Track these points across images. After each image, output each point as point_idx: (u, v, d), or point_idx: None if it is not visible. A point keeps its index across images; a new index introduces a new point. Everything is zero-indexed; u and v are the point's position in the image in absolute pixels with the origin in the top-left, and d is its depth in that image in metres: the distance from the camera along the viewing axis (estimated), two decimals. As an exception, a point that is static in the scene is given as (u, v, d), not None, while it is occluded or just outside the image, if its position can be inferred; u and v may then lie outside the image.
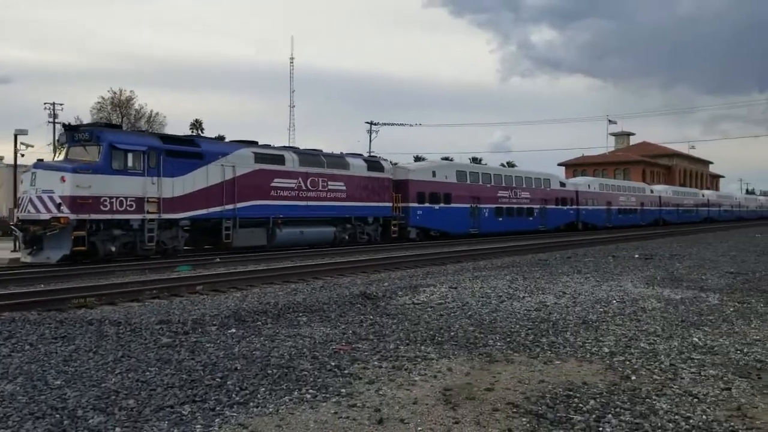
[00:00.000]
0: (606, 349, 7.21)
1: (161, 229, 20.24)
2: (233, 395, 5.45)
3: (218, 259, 19.96)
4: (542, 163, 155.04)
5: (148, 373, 6.19)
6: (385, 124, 64.07)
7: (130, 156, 19.46)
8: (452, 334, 8.11)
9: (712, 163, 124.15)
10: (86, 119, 68.94)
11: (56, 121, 63.80)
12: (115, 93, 69.57)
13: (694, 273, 15.61)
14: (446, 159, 48.78)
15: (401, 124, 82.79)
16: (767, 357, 6.87)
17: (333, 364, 6.50)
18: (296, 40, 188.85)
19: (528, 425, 4.71)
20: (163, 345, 7.46)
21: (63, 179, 17.95)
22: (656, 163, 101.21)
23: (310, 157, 26.97)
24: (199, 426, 4.72)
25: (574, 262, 19.03)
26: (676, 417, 4.87)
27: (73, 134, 19.72)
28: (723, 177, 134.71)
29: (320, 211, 26.37)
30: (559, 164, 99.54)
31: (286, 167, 25.04)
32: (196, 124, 78.21)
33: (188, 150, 21.57)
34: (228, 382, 5.82)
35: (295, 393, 5.51)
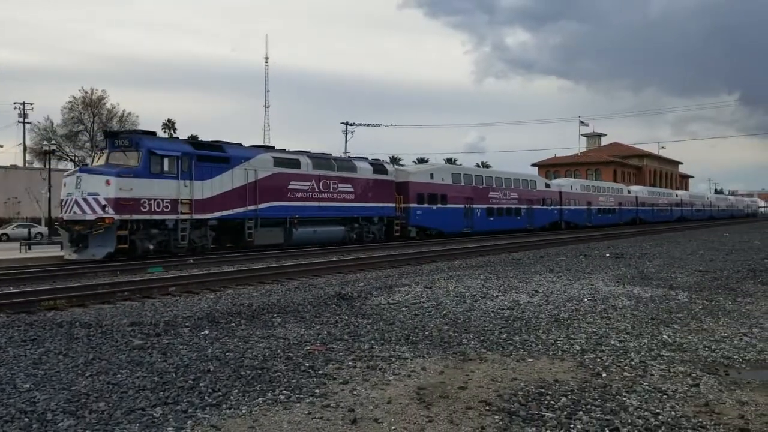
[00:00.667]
0: (577, 347, 7.29)
1: (192, 229, 21.81)
2: (206, 397, 5.41)
3: (191, 260, 19.82)
4: (516, 163, 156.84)
5: (119, 375, 6.12)
6: (360, 124, 63.99)
7: (166, 161, 21.10)
8: (427, 333, 8.14)
9: (681, 163, 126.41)
10: (57, 119, 68.20)
11: (26, 121, 62.85)
12: (86, 92, 68.64)
13: (663, 271, 15.86)
14: (422, 160, 49.48)
15: (377, 125, 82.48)
16: (735, 354, 7.00)
17: (307, 364, 6.49)
18: (272, 41, 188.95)
19: (500, 423, 4.75)
20: (134, 347, 7.38)
21: (108, 182, 19.51)
22: (627, 163, 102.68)
23: (322, 160, 28.60)
24: (170, 428, 4.68)
25: (547, 261, 19.22)
26: (646, 413, 4.95)
27: (113, 140, 21.48)
28: (692, 177, 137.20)
29: (331, 212, 28.07)
30: (533, 165, 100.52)
31: (302, 170, 26.73)
32: (169, 124, 77.44)
33: (216, 155, 23.21)
34: (200, 384, 5.77)
35: (269, 394, 5.49)
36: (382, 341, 7.66)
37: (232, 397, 5.40)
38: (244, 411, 5.05)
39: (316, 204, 27.19)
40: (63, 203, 20.47)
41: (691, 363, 6.58)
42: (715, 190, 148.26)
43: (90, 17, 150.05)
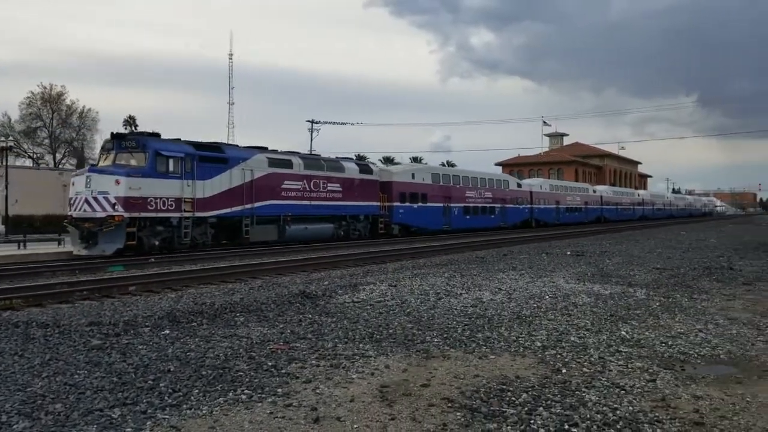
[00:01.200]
0: (538, 344, 7.39)
1: (194, 226, 22.91)
2: (165, 397, 5.33)
3: (152, 259, 19.53)
4: (480, 162, 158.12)
5: (76, 376, 5.99)
6: (326, 122, 63.78)
7: (171, 161, 22.14)
8: (391, 331, 8.16)
9: (640, 163, 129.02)
10: (14, 115, 66.44)
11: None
12: (45, 88, 67.03)
13: (622, 269, 16.16)
14: (387, 159, 49.91)
15: (342, 123, 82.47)
16: (690, 349, 7.17)
17: (270, 364, 6.45)
18: (238, 39, 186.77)
19: (462, 419, 4.79)
20: (93, 347, 7.24)
21: (117, 182, 20.47)
22: (588, 163, 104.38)
23: (312, 161, 30.11)
24: (129, 429, 4.61)
25: (510, 259, 19.42)
26: (604, 408, 5.04)
27: (120, 142, 22.18)
28: (651, 176, 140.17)
29: (321, 210, 29.32)
30: (496, 164, 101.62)
31: (294, 170, 27.92)
32: (130, 121, 76.06)
33: (216, 156, 24.28)
34: (160, 384, 5.69)
35: (230, 394, 5.44)
36: (346, 340, 7.65)
37: (192, 397, 5.33)
38: (204, 411, 4.99)
39: (307, 203, 28.38)
40: (71, 202, 21.32)
41: (648, 359, 6.71)
42: (673, 189, 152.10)
43: (48, 11, 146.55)
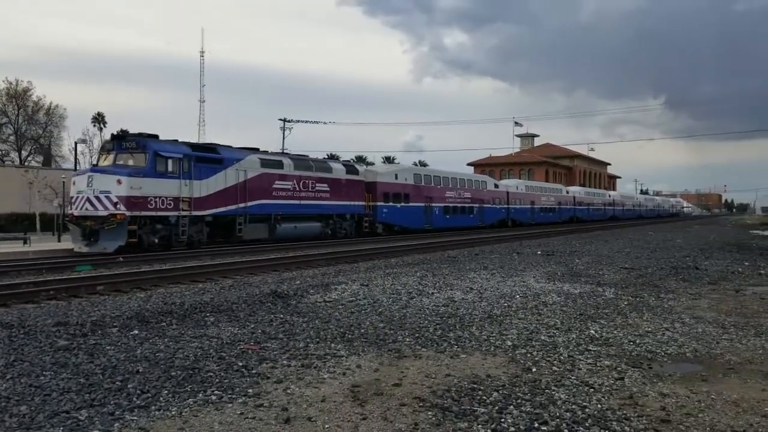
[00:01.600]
0: (509, 343, 7.45)
1: (191, 225, 23.60)
2: (134, 398, 5.26)
3: (121, 258, 19.26)
4: (452, 162, 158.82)
5: (42, 377, 5.88)
6: (298, 121, 63.46)
7: (170, 162, 22.84)
8: (362, 331, 8.15)
9: (609, 164, 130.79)
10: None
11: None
12: (10, 83, 65.64)
13: (591, 268, 16.37)
14: (360, 158, 50.24)
15: (315, 122, 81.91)
16: (657, 348, 7.28)
17: (240, 364, 6.39)
18: (208, 35, 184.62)
19: (434, 419, 4.80)
20: (59, 348, 7.11)
21: (119, 182, 21.12)
22: (559, 164, 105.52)
23: (302, 161, 30.92)
24: (97, 431, 4.53)
25: (481, 258, 19.55)
26: (573, 406, 5.09)
27: (120, 142, 22.70)
28: (620, 177, 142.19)
29: (310, 209, 30.28)
30: (468, 164, 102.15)
31: (284, 171, 28.86)
32: (98, 118, 74.88)
33: (212, 156, 25.10)
34: (129, 386, 5.61)
35: (200, 395, 5.38)
36: (318, 339, 7.62)
37: (161, 398, 5.26)
38: (174, 412, 4.93)
39: (297, 202, 29.34)
40: (73, 200, 22.03)
41: (616, 357, 6.81)
42: (641, 190, 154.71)
43: (13, 4, 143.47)
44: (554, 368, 6.30)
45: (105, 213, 20.95)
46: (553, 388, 5.61)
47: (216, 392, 5.44)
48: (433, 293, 11.58)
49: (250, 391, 5.48)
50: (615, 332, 8.14)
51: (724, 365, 6.52)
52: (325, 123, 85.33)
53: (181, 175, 23.13)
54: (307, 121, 67.85)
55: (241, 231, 26.10)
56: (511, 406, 5.07)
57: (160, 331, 8.12)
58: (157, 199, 22.13)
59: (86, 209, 21.26)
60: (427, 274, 14.69)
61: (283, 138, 61.81)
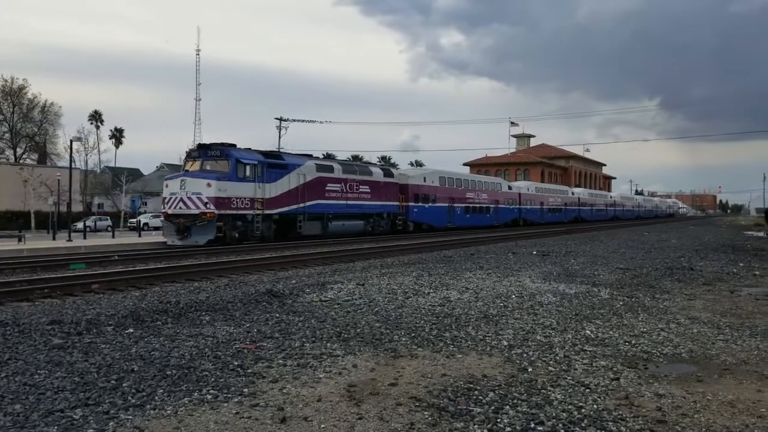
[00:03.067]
0: (505, 343, 7.44)
1: (263, 222, 27.26)
2: (129, 397, 5.23)
3: (116, 257, 19.20)
4: (448, 162, 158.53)
5: (37, 376, 5.85)
6: (294, 120, 63.38)
7: (247, 167, 26.64)
8: (358, 330, 8.14)
9: (605, 165, 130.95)
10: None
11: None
12: (6, 81, 65.43)
13: (587, 269, 16.39)
14: (356, 157, 51.16)
15: (311, 121, 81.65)
16: (653, 348, 7.29)
17: (236, 363, 6.37)
18: (206, 35, 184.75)
19: (430, 418, 4.79)
20: (54, 346, 7.08)
21: (209, 185, 24.78)
22: (554, 164, 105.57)
23: (348, 166, 35.24)
24: (91, 430, 4.51)
25: (477, 258, 19.55)
26: (569, 407, 5.09)
27: (206, 151, 26.81)
28: (615, 178, 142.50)
29: (355, 209, 33.90)
30: (464, 164, 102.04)
31: (335, 174, 32.53)
32: (95, 116, 74.70)
33: (279, 162, 29.11)
34: (124, 384, 5.58)
35: (195, 394, 5.36)
36: (314, 339, 7.61)
37: (156, 398, 5.24)
38: (169, 411, 4.92)
39: (344, 202, 32.98)
40: (166, 201, 25.64)
41: (612, 357, 6.81)
42: (636, 191, 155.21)
43: (10, 3, 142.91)
44: (550, 368, 6.30)
45: (197, 211, 24.50)
46: (549, 388, 5.61)
47: (211, 391, 5.42)
48: (429, 293, 11.57)
49: (246, 390, 5.46)
50: (610, 332, 8.14)
51: (719, 366, 6.53)
52: (321, 122, 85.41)
53: (256, 179, 26.80)
54: (302, 120, 67.65)
55: (300, 228, 29.59)
56: (508, 406, 5.06)
57: (155, 330, 8.09)
58: (238, 200, 25.70)
59: (180, 208, 24.87)
60: (423, 274, 14.68)
61: (279, 137, 61.90)
